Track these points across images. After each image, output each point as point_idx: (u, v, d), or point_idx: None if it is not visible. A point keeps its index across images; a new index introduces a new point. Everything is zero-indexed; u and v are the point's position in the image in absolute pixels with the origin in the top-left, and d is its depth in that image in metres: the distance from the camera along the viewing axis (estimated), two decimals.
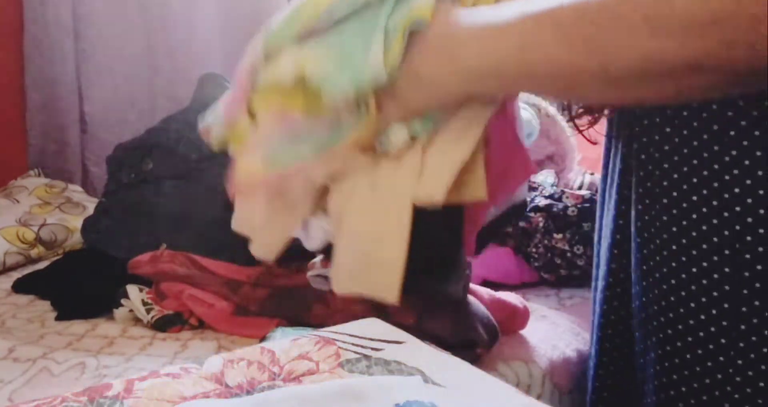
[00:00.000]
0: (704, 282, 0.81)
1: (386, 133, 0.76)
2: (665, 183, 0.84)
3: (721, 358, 0.81)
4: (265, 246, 0.88)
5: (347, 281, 0.80)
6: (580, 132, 0.95)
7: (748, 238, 0.78)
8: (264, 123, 0.80)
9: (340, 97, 0.70)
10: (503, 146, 0.86)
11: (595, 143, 0.96)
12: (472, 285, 1.19)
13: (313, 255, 1.22)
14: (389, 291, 0.80)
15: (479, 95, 0.65)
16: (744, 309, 0.79)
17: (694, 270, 0.82)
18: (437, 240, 0.83)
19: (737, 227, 0.79)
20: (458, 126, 0.78)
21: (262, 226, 0.88)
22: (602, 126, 0.96)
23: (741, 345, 0.80)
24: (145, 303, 1.18)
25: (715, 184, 0.79)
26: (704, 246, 0.81)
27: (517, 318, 1.16)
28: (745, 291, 0.79)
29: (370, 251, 0.82)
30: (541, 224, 1.39)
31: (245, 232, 0.88)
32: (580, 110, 0.92)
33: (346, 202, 0.82)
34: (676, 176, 0.82)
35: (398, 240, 0.81)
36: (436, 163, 0.77)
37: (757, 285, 0.78)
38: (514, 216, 0.99)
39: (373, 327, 0.71)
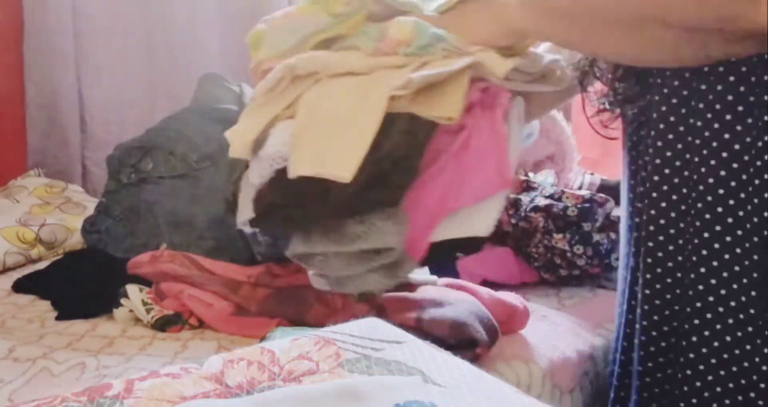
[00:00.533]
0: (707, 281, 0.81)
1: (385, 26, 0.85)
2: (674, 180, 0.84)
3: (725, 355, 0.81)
4: (236, 137, 0.93)
5: (306, 160, 0.85)
6: (597, 131, 0.95)
7: (756, 239, 0.78)
8: (275, 20, 0.93)
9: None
10: (483, 147, 0.86)
11: (614, 138, 0.96)
12: (472, 285, 1.20)
13: None
14: (345, 169, 0.82)
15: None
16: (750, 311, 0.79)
17: (699, 270, 0.82)
18: (395, 150, 0.85)
19: (738, 232, 0.78)
20: (447, 63, 0.83)
21: (240, 122, 0.94)
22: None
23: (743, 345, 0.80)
24: (145, 303, 1.18)
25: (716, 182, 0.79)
26: (704, 251, 0.81)
27: (517, 318, 1.16)
28: (743, 298, 0.79)
29: (337, 132, 0.85)
30: (541, 224, 1.39)
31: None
32: (602, 107, 0.93)
33: (325, 94, 0.86)
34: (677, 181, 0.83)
35: (367, 125, 0.84)
36: (421, 74, 0.83)
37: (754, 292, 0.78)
38: (466, 249, 0.98)
39: (373, 327, 0.71)
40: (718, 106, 0.78)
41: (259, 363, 0.62)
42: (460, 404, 0.56)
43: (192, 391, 0.57)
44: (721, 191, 0.79)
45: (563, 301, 1.38)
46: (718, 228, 0.79)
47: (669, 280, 0.85)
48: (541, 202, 1.42)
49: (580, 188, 1.82)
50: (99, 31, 1.97)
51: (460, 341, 1.01)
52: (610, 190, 1.80)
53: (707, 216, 0.80)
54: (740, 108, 0.77)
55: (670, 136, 0.82)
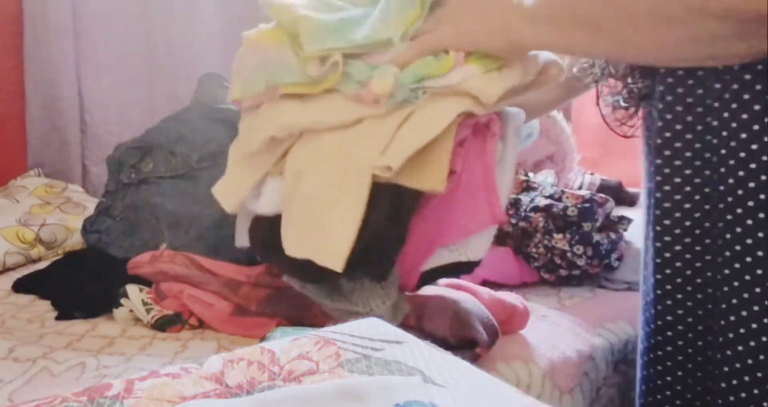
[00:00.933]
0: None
1: (371, 72, 0.79)
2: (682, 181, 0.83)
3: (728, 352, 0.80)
4: (226, 196, 0.91)
5: (297, 243, 0.83)
6: (612, 129, 0.95)
7: (760, 235, 0.77)
8: (244, 52, 0.89)
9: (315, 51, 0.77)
10: (473, 182, 0.85)
11: (628, 137, 0.96)
12: (472, 285, 1.19)
13: None
14: (335, 259, 0.81)
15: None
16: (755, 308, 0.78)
17: (718, 275, 0.82)
18: (381, 228, 0.83)
19: (760, 234, 0.77)
20: (432, 113, 0.81)
21: (227, 177, 0.93)
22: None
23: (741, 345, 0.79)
24: (145, 303, 1.18)
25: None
26: (719, 242, 0.80)
27: (517, 318, 1.16)
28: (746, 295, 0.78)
29: (324, 215, 0.83)
30: (541, 224, 1.39)
31: (215, 190, 0.94)
32: (616, 104, 0.92)
33: (309, 157, 0.84)
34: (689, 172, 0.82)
35: (353, 208, 0.82)
36: (403, 137, 0.80)
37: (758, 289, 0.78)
38: (458, 271, 0.98)
39: (373, 327, 0.71)
40: (734, 105, 0.77)
41: (259, 363, 0.62)
42: (460, 404, 0.56)
43: (192, 391, 0.57)
44: (740, 192, 0.78)
45: (563, 301, 1.38)
46: (739, 229, 0.79)
47: (687, 282, 0.85)
48: (541, 202, 1.42)
49: (580, 188, 1.82)
50: (99, 31, 1.97)
51: (460, 341, 1.01)
52: (610, 189, 1.80)
53: (728, 217, 0.79)
54: (757, 107, 0.76)
55: (689, 136, 0.82)
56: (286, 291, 1.19)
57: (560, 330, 1.23)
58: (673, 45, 0.70)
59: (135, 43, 2.03)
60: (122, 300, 1.19)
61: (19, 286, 1.37)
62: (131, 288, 1.20)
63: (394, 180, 0.81)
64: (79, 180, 1.94)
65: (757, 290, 0.78)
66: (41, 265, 1.48)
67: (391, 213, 0.83)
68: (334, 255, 0.81)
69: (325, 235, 0.82)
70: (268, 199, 0.88)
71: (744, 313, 0.79)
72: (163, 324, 1.16)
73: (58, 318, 1.21)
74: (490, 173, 0.86)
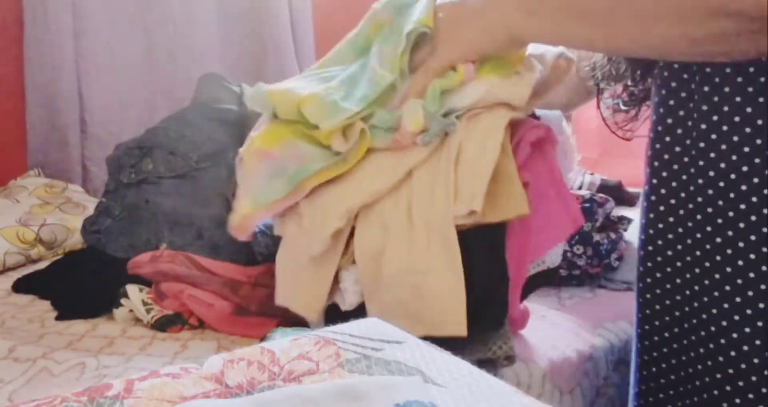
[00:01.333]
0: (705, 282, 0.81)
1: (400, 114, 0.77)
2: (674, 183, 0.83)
3: (720, 358, 0.81)
4: (306, 306, 0.86)
5: (412, 326, 0.72)
6: (614, 132, 0.95)
7: (752, 238, 0.77)
8: (248, 166, 0.83)
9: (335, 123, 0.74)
10: (543, 193, 0.83)
11: (628, 139, 0.96)
12: None
13: None
14: (457, 326, 0.74)
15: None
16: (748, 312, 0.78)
17: (697, 270, 0.82)
18: (482, 273, 0.78)
19: (752, 237, 0.78)
20: (479, 136, 0.77)
21: (298, 286, 0.86)
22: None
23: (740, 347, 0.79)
24: (145, 303, 1.18)
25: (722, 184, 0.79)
26: (708, 246, 0.80)
27: (517, 318, 1.16)
28: (738, 299, 0.78)
29: (424, 288, 0.76)
30: None
31: (287, 303, 0.86)
32: (617, 107, 0.92)
33: (379, 235, 0.79)
34: (685, 177, 0.82)
35: (452, 269, 0.75)
36: (467, 174, 0.76)
37: (750, 292, 0.78)
38: (544, 280, 0.95)
39: (373, 327, 0.71)
40: (726, 108, 0.78)
41: (259, 363, 0.62)
42: (460, 404, 0.56)
43: (192, 391, 0.57)
44: (732, 195, 0.78)
45: (563, 301, 1.38)
46: (730, 233, 0.79)
47: (675, 286, 0.85)
48: None
49: (580, 188, 1.82)
50: (99, 31, 1.97)
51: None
52: (610, 189, 1.80)
53: (719, 220, 0.79)
54: (749, 110, 0.76)
55: (688, 142, 0.82)
56: None
57: (560, 330, 1.23)
58: (677, 40, 0.69)
59: (135, 43, 2.03)
60: (122, 300, 1.19)
61: (19, 286, 1.37)
62: (131, 288, 1.20)
63: (478, 221, 0.76)
64: (79, 180, 1.94)
65: (750, 293, 0.78)
66: (41, 265, 1.48)
67: (486, 256, 0.78)
68: (454, 323, 0.76)
69: (435, 307, 0.76)
70: (353, 293, 0.81)
71: (737, 318, 0.79)
72: (163, 324, 1.16)
73: (58, 318, 1.21)
74: (558, 177, 0.83)
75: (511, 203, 0.76)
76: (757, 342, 0.77)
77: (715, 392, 0.81)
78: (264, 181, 0.81)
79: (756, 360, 0.78)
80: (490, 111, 0.79)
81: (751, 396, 0.78)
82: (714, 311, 0.80)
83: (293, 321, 1.14)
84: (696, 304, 0.83)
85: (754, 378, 0.78)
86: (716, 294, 0.80)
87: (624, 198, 1.84)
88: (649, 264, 0.87)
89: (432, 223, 0.77)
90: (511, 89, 0.79)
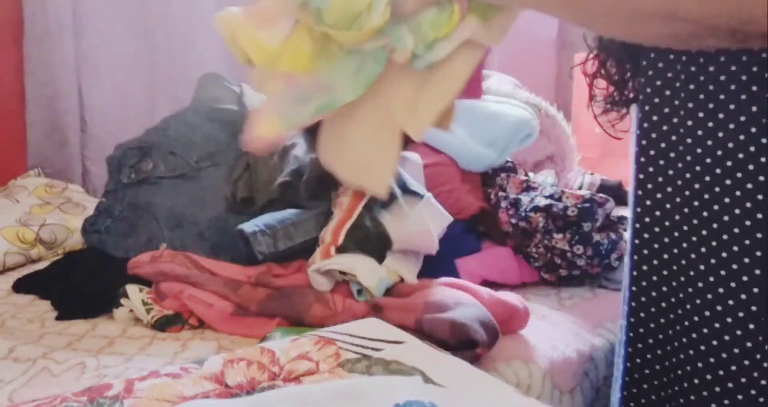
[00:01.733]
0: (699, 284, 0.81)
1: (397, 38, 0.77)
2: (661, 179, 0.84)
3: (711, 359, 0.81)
4: (383, 186, 0.86)
5: (351, 173, 0.82)
6: (605, 130, 0.95)
7: (759, 235, 0.78)
8: (273, 86, 0.84)
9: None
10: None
11: (619, 138, 0.96)
12: (472, 285, 1.20)
13: (311, 253, 1.22)
14: (380, 188, 0.82)
15: None
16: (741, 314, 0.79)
17: (683, 261, 0.82)
18: None
19: (735, 230, 0.78)
20: (450, 69, 0.80)
21: (370, 158, 0.86)
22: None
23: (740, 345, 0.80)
24: (145, 303, 1.18)
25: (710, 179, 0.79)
26: (702, 249, 0.81)
27: (517, 318, 1.16)
28: (731, 302, 0.79)
29: (369, 155, 0.83)
30: (541, 224, 1.39)
31: (360, 180, 0.88)
32: (607, 107, 0.93)
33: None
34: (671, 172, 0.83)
35: (389, 154, 0.82)
36: (425, 102, 0.79)
37: (743, 295, 0.78)
38: None
39: (373, 327, 0.71)
40: (711, 105, 0.78)
41: (259, 363, 0.62)
42: (460, 404, 0.56)
43: (192, 391, 0.57)
44: (717, 189, 0.79)
45: (563, 301, 1.38)
46: (715, 226, 0.80)
47: (662, 277, 0.85)
48: (541, 202, 1.42)
49: (580, 188, 1.82)
50: (99, 31, 1.97)
51: (460, 342, 1.01)
52: (610, 189, 1.80)
53: (705, 214, 0.80)
54: (732, 106, 0.77)
55: (674, 138, 0.82)
56: (286, 291, 1.19)
57: (560, 330, 1.23)
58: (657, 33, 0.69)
59: (135, 43, 2.03)
60: (122, 300, 1.19)
61: (19, 286, 1.37)
62: (131, 288, 1.20)
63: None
64: (79, 180, 1.94)
65: (732, 285, 0.79)
66: (41, 265, 1.48)
67: None
68: (378, 186, 0.82)
69: (370, 169, 0.82)
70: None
71: (719, 308, 0.80)
72: (163, 324, 1.16)
73: (58, 318, 1.21)
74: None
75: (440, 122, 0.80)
76: (751, 326, 0.78)
77: (708, 376, 0.81)
78: (290, 104, 0.82)
79: (749, 344, 0.78)
80: (462, 49, 0.79)
81: (743, 380, 0.79)
82: (704, 298, 0.81)
83: (293, 321, 1.14)
84: (682, 295, 0.83)
85: (746, 362, 0.79)
86: (703, 284, 0.81)
87: (624, 198, 1.84)
88: (636, 257, 0.88)
89: (389, 118, 0.80)
90: (491, 32, 0.80)
